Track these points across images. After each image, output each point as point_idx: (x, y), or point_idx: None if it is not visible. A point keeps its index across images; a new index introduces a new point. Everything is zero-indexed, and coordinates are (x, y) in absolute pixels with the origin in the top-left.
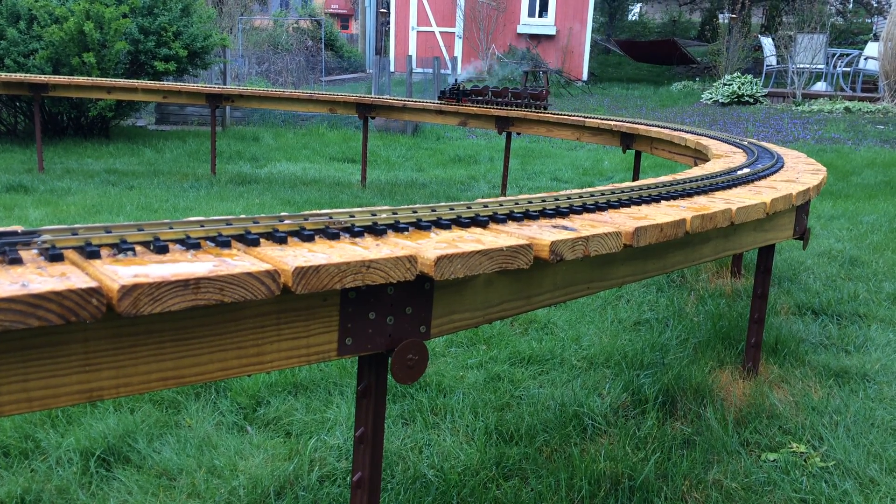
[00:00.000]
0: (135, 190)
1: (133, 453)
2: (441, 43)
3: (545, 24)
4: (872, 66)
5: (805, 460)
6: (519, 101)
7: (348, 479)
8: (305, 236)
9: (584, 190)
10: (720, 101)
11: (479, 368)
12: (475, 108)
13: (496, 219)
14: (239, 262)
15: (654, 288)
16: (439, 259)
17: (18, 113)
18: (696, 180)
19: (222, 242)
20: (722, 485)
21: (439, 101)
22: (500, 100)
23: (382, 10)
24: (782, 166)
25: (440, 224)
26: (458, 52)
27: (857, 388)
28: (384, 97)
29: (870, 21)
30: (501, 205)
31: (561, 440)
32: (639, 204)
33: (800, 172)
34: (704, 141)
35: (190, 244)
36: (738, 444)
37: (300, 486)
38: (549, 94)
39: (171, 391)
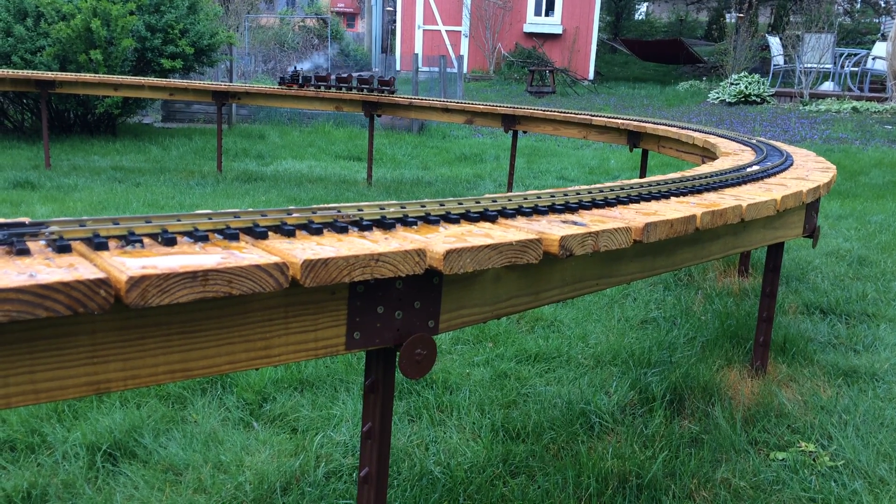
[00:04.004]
0: (141, 187)
1: (139, 448)
2: (447, 41)
3: (552, 24)
4: (880, 65)
5: (814, 459)
6: (365, 86)
7: (354, 475)
8: (314, 229)
9: (592, 186)
10: (727, 100)
11: (485, 366)
12: (481, 106)
13: (505, 213)
14: (247, 254)
15: (661, 286)
16: (448, 253)
17: (25, 110)
18: (706, 177)
19: (230, 235)
20: (730, 483)
21: (279, 87)
22: (344, 85)
23: (389, 9)
24: (792, 164)
25: (449, 218)
26: (464, 50)
27: (867, 388)
28: (390, 95)
29: (877, 21)
30: (510, 199)
31: (568, 438)
32: (648, 200)
33: (809, 170)
34: (712, 139)
35: (198, 236)
36: (746, 442)
37: (306, 482)
38: (393, 81)
39: (178, 386)
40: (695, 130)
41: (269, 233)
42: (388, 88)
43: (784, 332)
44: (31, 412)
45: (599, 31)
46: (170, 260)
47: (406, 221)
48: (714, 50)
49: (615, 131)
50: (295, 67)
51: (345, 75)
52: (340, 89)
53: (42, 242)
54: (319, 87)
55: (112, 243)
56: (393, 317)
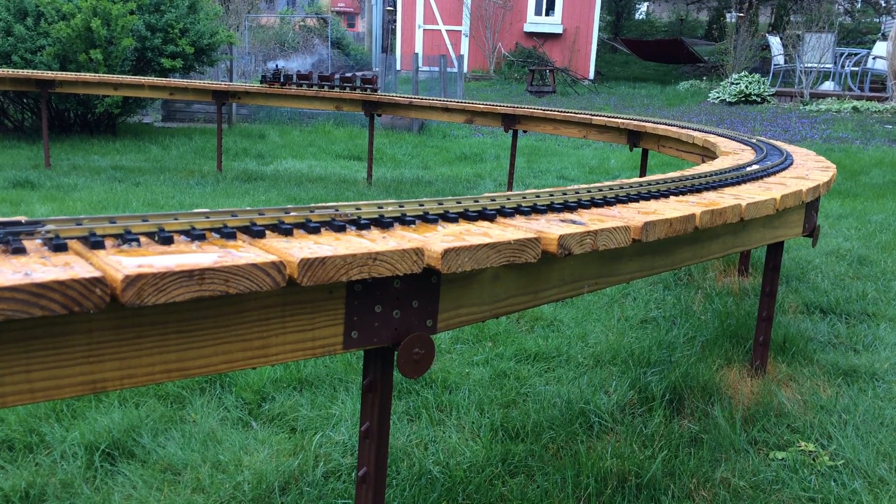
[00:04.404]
0: (141, 186)
1: (138, 448)
2: (447, 41)
3: (552, 23)
4: (881, 65)
5: (814, 459)
6: (348, 84)
7: (353, 474)
8: (311, 228)
9: (592, 185)
10: (727, 100)
11: (484, 365)
12: (481, 106)
13: (504, 212)
14: (244, 253)
15: (661, 286)
16: (446, 252)
17: (25, 109)
18: (705, 176)
19: (227, 234)
20: (730, 483)
21: (262, 85)
22: (326, 84)
23: (389, 8)
24: (791, 163)
25: (447, 217)
26: (464, 50)
27: (866, 387)
28: (390, 94)
29: (878, 20)
30: (509, 199)
31: (567, 437)
32: (647, 199)
33: (809, 169)
34: (712, 138)
35: (195, 235)
36: (745, 442)
37: (305, 482)
38: (377, 79)
39: (176, 386)
40: (695, 130)
41: (267, 231)
42: (371, 87)
43: (784, 331)
44: (30, 411)
45: (600, 30)
46: (166, 259)
47: (404, 220)
48: (714, 49)
49: (615, 131)
50: (277, 65)
51: (327, 74)
52: (323, 87)
53: (38, 241)
54: (301, 86)
55: (108, 242)
56: (391, 316)
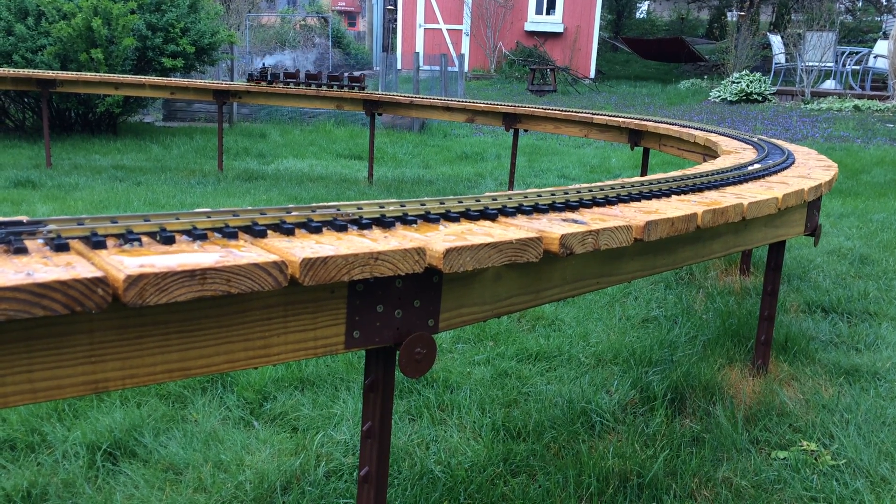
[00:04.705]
0: (142, 186)
1: (139, 447)
2: (448, 40)
3: (553, 22)
4: (882, 64)
5: (815, 458)
6: (335, 83)
7: (355, 474)
8: (313, 228)
9: (593, 184)
10: (728, 99)
11: (486, 365)
12: (482, 105)
13: (505, 212)
14: (246, 253)
15: (663, 285)
16: (448, 251)
17: (26, 109)
18: (707, 175)
19: (229, 233)
20: (732, 483)
21: (247, 83)
22: (314, 83)
23: (390, 7)
24: (793, 162)
25: (449, 217)
26: (465, 49)
27: (868, 387)
28: (391, 93)
29: (879, 19)
30: (511, 198)
31: (569, 437)
32: (649, 198)
33: (811, 168)
34: (714, 137)
35: (197, 235)
36: (747, 441)
37: (307, 482)
38: (364, 78)
39: (178, 385)
40: (696, 129)
41: (269, 231)
42: (358, 85)
43: (785, 330)
44: (32, 411)
45: (601, 29)
46: (168, 259)
47: (406, 220)
48: (715, 48)
49: (616, 130)
50: (263, 64)
51: (315, 73)
52: (310, 86)
53: (40, 241)
54: (289, 84)
55: (110, 242)
56: (392, 316)
